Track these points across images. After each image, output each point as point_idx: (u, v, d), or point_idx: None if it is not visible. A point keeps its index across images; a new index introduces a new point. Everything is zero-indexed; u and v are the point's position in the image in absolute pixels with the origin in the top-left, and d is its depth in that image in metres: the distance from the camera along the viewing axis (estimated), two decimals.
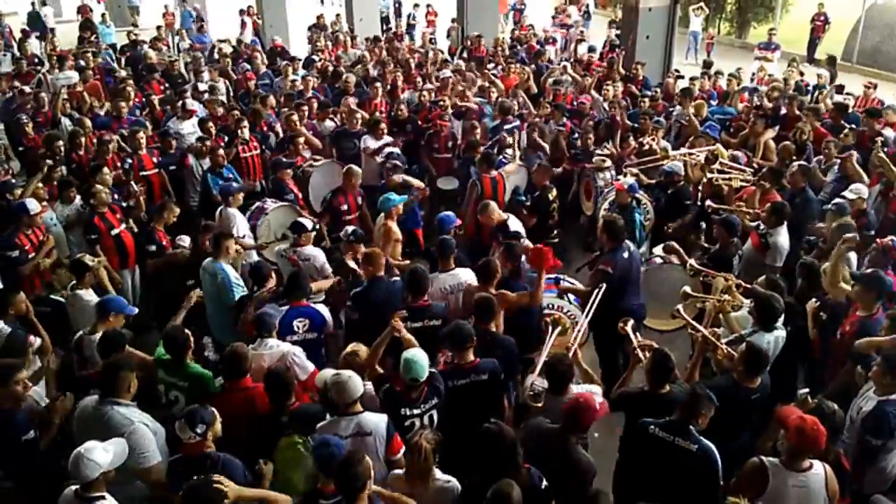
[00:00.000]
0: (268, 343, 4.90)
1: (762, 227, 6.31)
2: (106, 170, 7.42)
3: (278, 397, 4.28)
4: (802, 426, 3.65)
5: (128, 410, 4.08)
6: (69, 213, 7.14)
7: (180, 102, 9.64)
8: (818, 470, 3.71)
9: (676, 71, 12.10)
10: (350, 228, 6.36)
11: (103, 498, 3.53)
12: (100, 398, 4.10)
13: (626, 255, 5.87)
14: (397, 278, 5.81)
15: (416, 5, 20.92)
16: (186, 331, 4.82)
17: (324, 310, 5.49)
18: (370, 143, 8.62)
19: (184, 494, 3.34)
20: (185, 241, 6.59)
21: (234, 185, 7.19)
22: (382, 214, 6.78)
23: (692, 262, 6.04)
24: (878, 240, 5.81)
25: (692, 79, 11.25)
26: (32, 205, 6.48)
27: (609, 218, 6.13)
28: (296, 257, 6.13)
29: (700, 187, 8.05)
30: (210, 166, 7.96)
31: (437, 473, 3.77)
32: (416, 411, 4.30)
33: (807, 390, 4.50)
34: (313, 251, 6.23)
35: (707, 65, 12.86)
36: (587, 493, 3.84)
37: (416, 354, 4.30)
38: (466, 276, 5.71)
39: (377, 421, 4.07)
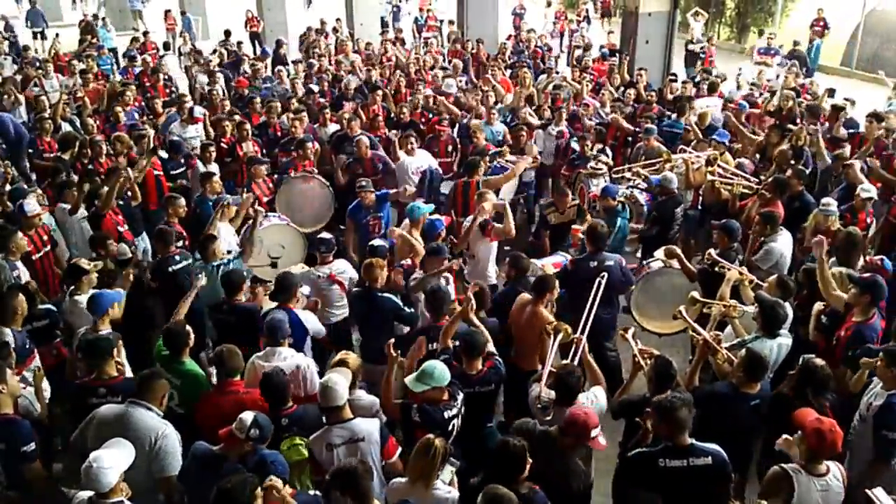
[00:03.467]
0: (280, 353, 4.75)
1: (761, 239, 6.30)
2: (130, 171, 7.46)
3: (275, 401, 4.24)
4: (821, 429, 3.66)
5: (158, 418, 4.06)
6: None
7: (188, 108, 9.64)
8: (835, 472, 3.75)
9: (674, 75, 12.11)
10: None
11: (122, 503, 3.50)
12: (130, 402, 4.07)
13: (593, 263, 5.83)
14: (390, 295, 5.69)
15: (422, 9, 21.04)
16: (188, 328, 4.79)
17: (309, 318, 5.36)
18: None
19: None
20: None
21: (229, 198, 7.04)
22: (407, 222, 6.74)
23: (711, 251, 6.02)
24: (867, 258, 5.78)
25: (683, 83, 11.28)
26: (29, 206, 6.47)
27: (592, 224, 6.14)
28: (335, 274, 5.99)
29: (701, 191, 8.07)
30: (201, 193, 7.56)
31: (439, 483, 3.72)
32: (454, 411, 4.31)
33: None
34: (344, 265, 6.13)
35: (707, 73, 12.85)
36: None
37: (434, 363, 4.29)
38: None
39: (369, 427, 4.08)
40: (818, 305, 5.34)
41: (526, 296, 5.48)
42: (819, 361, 4.43)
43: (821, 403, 4.24)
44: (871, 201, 6.87)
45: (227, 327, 5.37)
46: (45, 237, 6.62)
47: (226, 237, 6.56)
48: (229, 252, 6.28)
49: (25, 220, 6.42)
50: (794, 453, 3.79)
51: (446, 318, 5.07)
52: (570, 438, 3.92)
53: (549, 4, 21.27)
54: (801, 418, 3.79)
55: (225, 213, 6.79)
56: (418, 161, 8.45)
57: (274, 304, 5.33)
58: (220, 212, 6.64)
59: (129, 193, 7.39)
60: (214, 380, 4.83)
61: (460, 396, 4.38)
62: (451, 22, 17.59)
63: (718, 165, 7.83)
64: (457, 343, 4.80)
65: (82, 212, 7.17)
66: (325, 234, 6.41)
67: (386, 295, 5.60)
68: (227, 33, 16.36)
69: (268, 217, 7.25)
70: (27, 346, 5.04)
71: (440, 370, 4.23)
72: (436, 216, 6.69)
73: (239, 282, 5.47)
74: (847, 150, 8.15)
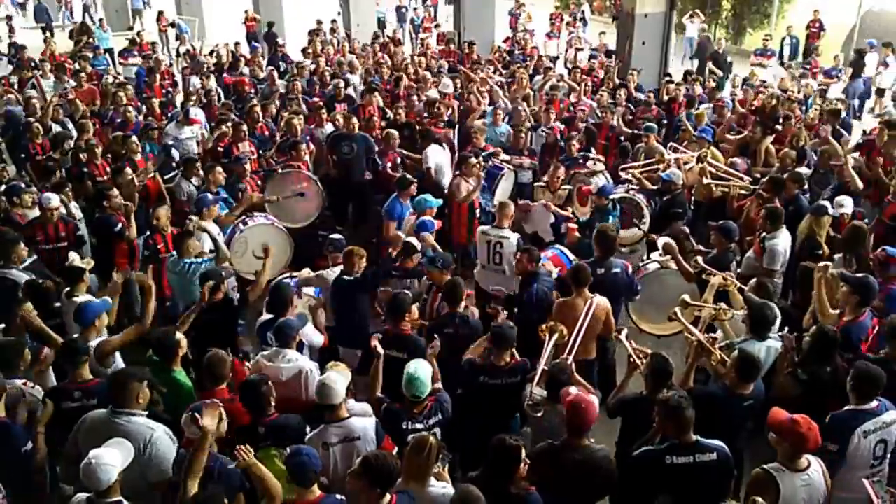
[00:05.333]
0: (286, 355, 4.74)
1: (763, 235, 6.32)
2: (128, 170, 7.51)
3: (254, 409, 4.20)
4: (797, 428, 3.68)
5: (144, 420, 4.02)
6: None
7: (184, 110, 9.65)
8: (816, 466, 3.77)
9: (668, 76, 12.13)
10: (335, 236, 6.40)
11: (120, 502, 3.49)
12: (112, 410, 4.03)
13: (600, 270, 5.79)
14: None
15: (416, 8, 21.06)
16: (178, 336, 4.75)
17: (307, 330, 5.31)
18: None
19: None
20: None
21: (209, 196, 7.00)
22: (415, 215, 6.89)
23: (698, 259, 6.03)
24: (872, 254, 5.78)
25: (676, 84, 11.29)
26: (47, 199, 6.60)
27: (602, 227, 6.13)
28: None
29: (693, 190, 8.08)
30: (205, 186, 7.63)
31: (433, 480, 3.73)
32: (418, 426, 4.27)
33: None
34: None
35: (688, 72, 12.90)
36: (612, 480, 3.95)
37: (419, 370, 4.25)
38: None
39: (365, 425, 4.10)
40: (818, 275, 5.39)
41: (562, 299, 5.51)
42: (830, 327, 4.72)
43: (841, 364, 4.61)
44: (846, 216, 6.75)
45: (205, 326, 5.27)
46: (63, 233, 6.67)
47: (207, 241, 6.49)
48: (212, 251, 6.25)
49: (42, 212, 6.60)
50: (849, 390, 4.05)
51: (406, 325, 5.04)
52: (578, 423, 3.92)
53: (521, 5, 21.18)
54: (774, 420, 3.80)
55: (210, 212, 6.78)
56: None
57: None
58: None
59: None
60: None
61: (435, 418, 4.34)
62: (437, 25, 17.61)
63: (708, 163, 7.87)
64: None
65: (77, 214, 7.20)
66: (335, 235, 6.42)
67: (346, 278, 5.72)
68: (270, 24, 16.83)
69: (253, 217, 7.24)
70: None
71: (416, 381, 4.20)
72: (427, 217, 6.72)
73: (217, 281, 5.44)
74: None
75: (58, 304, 5.53)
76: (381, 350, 4.67)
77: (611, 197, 7.45)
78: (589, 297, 5.40)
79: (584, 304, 5.36)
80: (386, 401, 4.44)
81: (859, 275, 5.27)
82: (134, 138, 8.43)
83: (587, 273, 5.46)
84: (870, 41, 15.63)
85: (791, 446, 3.71)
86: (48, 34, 16.73)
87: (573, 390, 4.14)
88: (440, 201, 7.11)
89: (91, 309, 5.03)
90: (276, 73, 12.31)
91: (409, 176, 7.52)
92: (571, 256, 6.52)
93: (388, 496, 3.46)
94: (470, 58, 13.81)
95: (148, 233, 6.84)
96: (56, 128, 9.48)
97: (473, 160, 7.86)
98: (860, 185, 7.40)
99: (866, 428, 4.09)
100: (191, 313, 5.20)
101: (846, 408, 4.20)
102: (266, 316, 5.39)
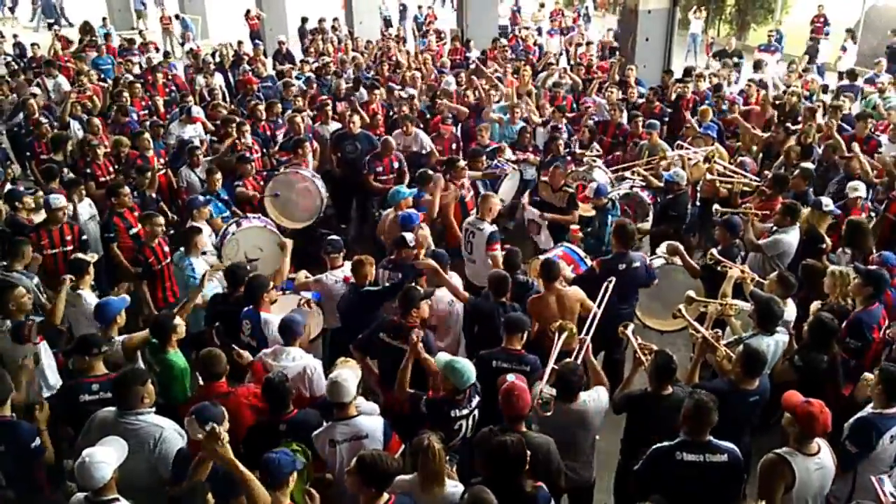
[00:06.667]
0: (290, 353, 4.73)
1: (774, 228, 6.30)
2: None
3: (277, 406, 4.21)
4: (812, 412, 3.68)
5: (152, 418, 4.06)
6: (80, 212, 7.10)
7: (186, 109, 9.67)
8: (826, 450, 3.80)
9: (670, 72, 12.07)
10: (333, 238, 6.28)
11: (117, 500, 3.49)
12: (119, 411, 4.06)
13: (622, 266, 5.77)
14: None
15: (420, 6, 21.07)
16: (177, 320, 4.87)
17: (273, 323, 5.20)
18: None
19: None
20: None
21: (200, 198, 6.98)
22: (391, 209, 6.84)
23: (713, 250, 6.00)
24: (870, 257, 5.77)
25: (683, 81, 11.24)
26: (55, 200, 6.54)
27: (620, 222, 6.11)
28: (350, 277, 5.76)
29: (698, 187, 8.06)
30: (207, 188, 7.65)
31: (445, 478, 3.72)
32: (464, 412, 4.33)
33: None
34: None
35: (687, 71, 12.84)
36: (551, 467, 3.95)
37: (458, 360, 4.32)
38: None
39: (373, 424, 4.11)
40: (816, 304, 5.34)
41: (535, 295, 5.51)
42: (828, 316, 4.80)
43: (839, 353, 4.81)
44: (860, 199, 6.83)
45: (232, 318, 5.33)
46: (69, 237, 6.60)
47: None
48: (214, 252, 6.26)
49: (50, 214, 6.52)
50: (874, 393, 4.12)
51: (413, 319, 5.01)
52: (511, 410, 3.93)
53: (542, 6, 21.12)
54: (789, 402, 3.81)
55: (201, 213, 6.80)
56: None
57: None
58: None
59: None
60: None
61: (476, 400, 4.39)
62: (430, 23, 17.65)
63: (714, 162, 7.84)
64: None
65: (89, 210, 7.21)
66: (334, 236, 6.34)
67: (371, 289, 5.62)
68: (304, 20, 16.84)
69: (247, 218, 7.18)
70: None
71: (466, 371, 4.25)
72: (411, 210, 6.64)
73: (243, 275, 5.50)
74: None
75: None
76: (421, 352, 4.62)
77: (613, 194, 7.42)
78: (561, 291, 5.39)
79: (555, 300, 5.37)
80: (421, 395, 4.44)
81: (873, 267, 5.28)
82: (147, 135, 8.47)
83: (557, 268, 5.47)
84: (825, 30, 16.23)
85: (802, 429, 3.72)
86: (54, 32, 16.71)
87: (510, 377, 4.14)
88: (414, 191, 7.03)
89: (112, 306, 5.10)
90: (293, 72, 12.29)
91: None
92: (582, 253, 6.49)
93: (385, 496, 3.44)
94: (494, 53, 13.71)
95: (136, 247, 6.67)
96: (75, 124, 9.52)
97: (462, 163, 7.70)
98: (870, 171, 7.38)
99: (894, 433, 4.08)
100: (189, 301, 5.43)
101: (870, 411, 4.17)
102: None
